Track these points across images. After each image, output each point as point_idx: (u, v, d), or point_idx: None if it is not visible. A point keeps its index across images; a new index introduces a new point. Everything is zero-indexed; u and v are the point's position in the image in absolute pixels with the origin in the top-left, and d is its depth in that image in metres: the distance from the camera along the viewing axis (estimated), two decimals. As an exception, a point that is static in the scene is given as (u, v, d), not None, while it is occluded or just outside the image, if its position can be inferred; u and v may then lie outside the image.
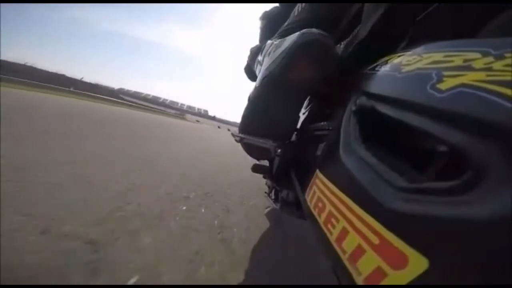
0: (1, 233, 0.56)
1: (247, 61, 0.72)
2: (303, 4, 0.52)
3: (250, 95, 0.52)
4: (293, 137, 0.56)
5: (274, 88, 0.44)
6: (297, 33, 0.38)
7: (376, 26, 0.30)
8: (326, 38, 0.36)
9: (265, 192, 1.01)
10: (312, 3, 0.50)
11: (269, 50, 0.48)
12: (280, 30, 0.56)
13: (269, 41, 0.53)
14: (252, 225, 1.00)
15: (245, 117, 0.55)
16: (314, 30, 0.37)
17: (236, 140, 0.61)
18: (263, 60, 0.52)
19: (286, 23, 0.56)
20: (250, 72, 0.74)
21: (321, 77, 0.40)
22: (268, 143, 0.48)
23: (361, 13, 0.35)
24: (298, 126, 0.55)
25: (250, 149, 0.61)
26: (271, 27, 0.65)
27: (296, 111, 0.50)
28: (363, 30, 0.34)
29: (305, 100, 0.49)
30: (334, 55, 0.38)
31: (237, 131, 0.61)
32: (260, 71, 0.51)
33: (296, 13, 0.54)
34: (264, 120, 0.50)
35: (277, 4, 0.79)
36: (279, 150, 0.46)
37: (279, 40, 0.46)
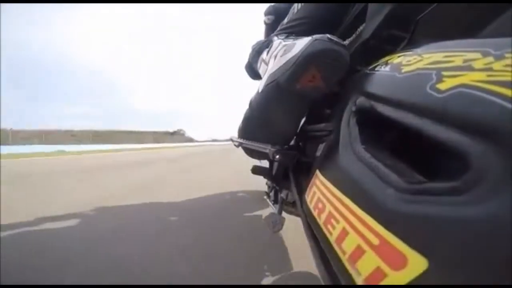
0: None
1: (248, 59, 0.69)
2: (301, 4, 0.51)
3: (251, 100, 0.51)
4: (293, 141, 0.56)
5: (278, 96, 0.42)
6: (309, 39, 0.35)
7: (381, 26, 0.30)
8: (340, 47, 0.33)
9: (265, 192, 1.01)
10: (312, 2, 0.49)
11: (276, 52, 0.45)
12: (281, 27, 0.55)
13: (276, 39, 0.50)
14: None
15: (245, 121, 0.54)
16: (326, 37, 0.33)
17: (235, 145, 0.62)
18: (269, 61, 0.49)
19: (285, 20, 0.55)
20: (251, 71, 0.71)
21: (330, 87, 0.38)
22: (267, 148, 0.48)
23: (364, 12, 0.35)
24: (298, 129, 0.55)
25: (250, 152, 0.61)
26: (279, 23, 0.63)
27: (298, 119, 0.49)
28: (367, 30, 0.33)
29: (308, 108, 0.48)
30: (347, 64, 0.34)
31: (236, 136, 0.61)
32: (264, 72, 0.49)
33: (295, 10, 0.52)
34: (264, 126, 0.49)
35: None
36: (277, 156, 0.46)
37: (289, 42, 0.42)
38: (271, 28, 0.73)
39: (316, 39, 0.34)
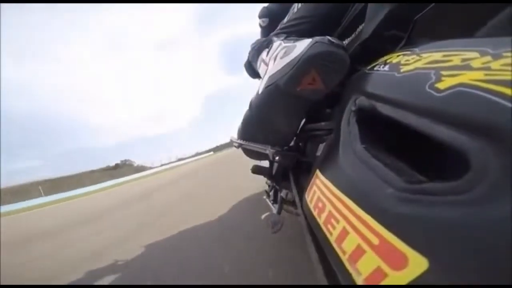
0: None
1: (248, 58, 0.68)
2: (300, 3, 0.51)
3: (251, 101, 0.51)
4: (292, 142, 0.56)
5: (278, 98, 0.42)
6: (309, 42, 0.34)
7: (380, 26, 0.30)
8: (340, 50, 0.32)
9: (265, 191, 1.01)
10: (312, 2, 0.49)
11: (276, 53, 0.45)
12: (281, 27, 0.54)
13: (276, 40, 0.50)
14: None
15: (244, 122, 0.54)
16: (326, 39, 0.33)
17: (235, 146, 0.62)
18: (268, 62, 0.49)
19: (285, 20, 0.54)
20: (251, 70, 0.71)
21: (330, 89, 0.37)
22: (266, 149, 0.48)
23: (364, 12, 0.35)
24: (298, 130, 0.55)
25: (249, 153, 0.61)
26: (275, 24, 0.62)
27: (298, 120, 0.49)
28: (366, 30, 0.33)
29: (307, 109, 0.47)
30: (347, 66, 0.34)
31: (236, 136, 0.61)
32: (264, 73, 0.49)
33: (295, 10, 0.52)
34: (264, 128, 0.49)
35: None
36: (277, 158, 0.46)
37: (289, 43, 0.42)
38: (267, 29, 0.73)
39: (316, 41, 0.33)
